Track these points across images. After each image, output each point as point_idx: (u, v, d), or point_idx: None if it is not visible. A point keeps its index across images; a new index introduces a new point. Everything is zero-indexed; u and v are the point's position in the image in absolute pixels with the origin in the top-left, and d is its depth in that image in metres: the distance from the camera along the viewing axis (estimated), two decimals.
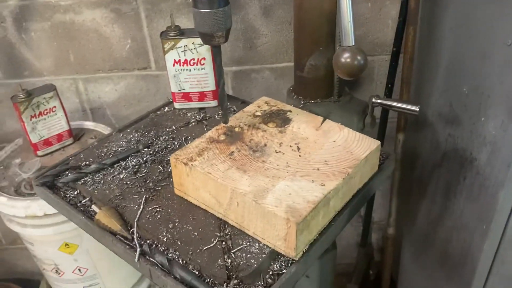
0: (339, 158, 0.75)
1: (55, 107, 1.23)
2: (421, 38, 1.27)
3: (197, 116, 1.03)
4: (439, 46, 1.17)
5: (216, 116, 1.03)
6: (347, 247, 1.85)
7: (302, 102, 1.09)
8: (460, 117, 1.06)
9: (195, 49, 0.98)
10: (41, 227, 1.18)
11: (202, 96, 1.05)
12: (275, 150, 0.78)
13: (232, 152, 0.77)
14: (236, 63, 1.42)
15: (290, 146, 0.79)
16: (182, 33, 0.98)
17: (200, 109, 1.07)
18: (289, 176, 0.72)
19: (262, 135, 0.82)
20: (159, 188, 0.83)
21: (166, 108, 1.08)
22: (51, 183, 0.88)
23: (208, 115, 1.04)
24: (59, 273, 1.31)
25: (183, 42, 0.97)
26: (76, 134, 1.33)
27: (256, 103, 0.91)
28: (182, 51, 0.98)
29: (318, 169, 0.73)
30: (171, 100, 1.10)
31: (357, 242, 1.82)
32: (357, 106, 1.09)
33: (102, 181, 0.86)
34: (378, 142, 0.80)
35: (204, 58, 0.99)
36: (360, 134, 0.81)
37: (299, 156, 0.76)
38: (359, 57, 0.69)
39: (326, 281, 1.14)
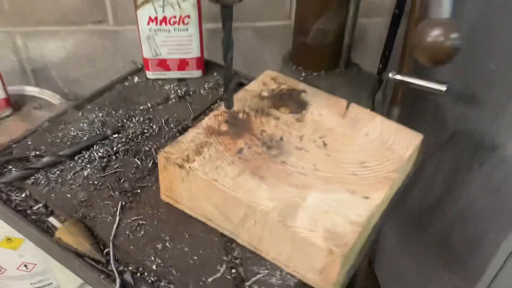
0: (378, 158, 0.59)
1: None
2: None
3: (178, 90, 0.82)
4: (457, 10, 1.01)
5: (202, 91, 0.83)
6: None
7: (303, 74, 0.90)
8: (481, 96, 0.93)
9: (178, 3, 0.76)
10: None
11: (183, 64, 0.84)
12: (296, 147, 0.60)
13: (241, 149, 0.59)
14: (212, 19, 1.19)
15: (314, 141, 0.61)
16: None
17: (180, 80, 0.86)
18: (321, 185, 0.55)
19: (276, 125, 0.63)
20: (139, 191, 0.64)
21: (136, 78, 0.86)
22: None
23: (191, 88, 0.83)
24: (1, 271, 1.09)
25: None
26: (16, 103, 1.08)
27: (260, 79, 0.72)
28: (160, 6, 0.76)
29: (355, 174, 0.57)
30: (141, 66, 0.88)
31: None
32: (366, 80, 0.93)
33: (60, 180, 0.65)
34: (421, 136, 0.64)
35: (188, 16, 0.78)
36: (396, 125, 0.65)
37: (328, 155, 0.59)
38: (454, 35, 0.50)
39: None
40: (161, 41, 0.80)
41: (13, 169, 0.66)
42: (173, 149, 0.58)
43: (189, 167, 0.56)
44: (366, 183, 0.55)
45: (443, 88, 0.82)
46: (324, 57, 0.89)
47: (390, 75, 0.86)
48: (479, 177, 0.95)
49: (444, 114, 1.07)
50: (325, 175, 0.56)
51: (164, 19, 0.78)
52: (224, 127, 0.62)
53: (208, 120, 0.63)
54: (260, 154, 0.58)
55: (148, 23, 0.78)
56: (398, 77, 0.85)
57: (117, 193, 0.63)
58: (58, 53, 1.21)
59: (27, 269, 1.10)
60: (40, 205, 0.63)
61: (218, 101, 0.81)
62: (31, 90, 1.12)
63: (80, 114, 0.77)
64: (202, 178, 0.55)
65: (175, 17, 0.77)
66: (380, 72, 1.27)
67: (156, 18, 0.77)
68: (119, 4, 1.13)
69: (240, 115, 0.64)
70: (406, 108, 1.23)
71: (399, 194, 0.67)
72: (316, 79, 0.90)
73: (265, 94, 0.69)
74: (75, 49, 1.21)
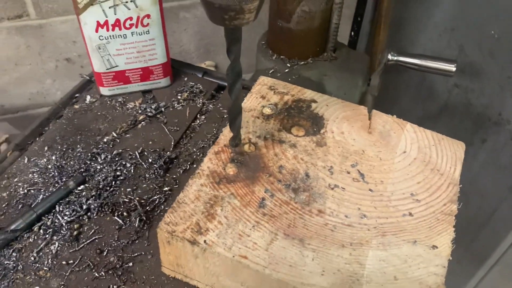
0: (428, 186, 0.48)
1: None
2: None
3: (146, 108, 0.66)
4: None
5: (176, 104, 0.67)
6: None
7: (288, 64, 0.77)
8: (481, 66, 0.84)
9: (133, 1, 0.58)
10: None
11: (146, 73, 0.67)
12: (329, 184, 0.48)
13: (263, 199, 0.45)
14: None
15: (348, 173, 0.49)
16: None
17: (145, 93, 0.69)
18: (376, 238, 0.43)
19: (294, 156, 0.50)
20: (130, 264, 0.49)
21: (88, 97, 0.68)
22: None
23: (161, 103, 0.67)
24: None
25: None
26: None
27: (256, 91, 0.58)
28: (110, 7, 0.58)
29: (410, 214, 0.45)
30: (88, 78, 0.70)
31: None
32: (359, 63, 0.81)
33: (19, 266, 0.49)
34: (463, 145, 0.54)
35: (148, 16, 0.60)
36: (431, 133, 0.55)
37: (370, 190, 0.47)
38: None
39: None
40: (115, 50, 0.62)
41: None
42: (175, 217, 0.43)
43: (205, 241, 0.42)
44: (426, 225, 0.45)
45: (452, 67, 0.72)
46: (310, 43, 0.76)
47: (390, 56, 0.74)
48: (482, 153, 0.88)
49: (432, 84, 0.98)
50: (375, 223, 0.44)
51: (118, 22, 0.60)
52: (231, 170, 0.48)
53: (209, 163, 0.48)
54: (288, 203, 0.45)
55: (97, 30, 0.60)
56: (400, 57, 0.74)
57: (102, 272, 0.48)
58: None
59: None
60: None
61: (198, 115, 0.66)
62: None
63: (25, 160, 0.59)
64: (225, 256, 0.41)
65: (131, 18, 0.60)
66: (354, 41, 1.15)
67: (106, 22, 0.59)
68: None
69: (246, 148, 0.50)
70: (385, 79, 1.14)
71: None
72: (303, 69, 0.76)
73: (268, 111, 0.55)
74: None
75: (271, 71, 0.77)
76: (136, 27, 0.61)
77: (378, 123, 0.55)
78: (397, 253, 0.42)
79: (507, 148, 0.82)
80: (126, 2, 0.58)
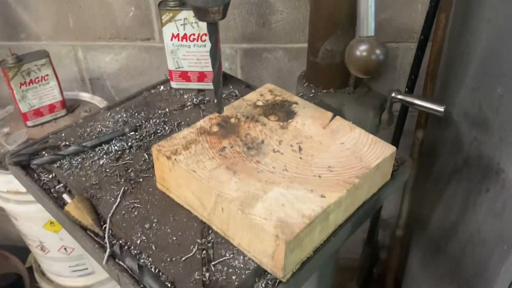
0: (345, 165, 0.65)
1: (47, 75, 1.14)
2: (453, 27, 1.13)
3: (194, 99, 0.93)
4: (473, 39, 1.04)
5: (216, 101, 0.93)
6: (352, 242, 1.75)
7: (313, 91, 0.97)
8: (490, 121, 0.94)
9: (196, 23, 0.87)
10: (25, 203, 1.11)
11: (201, 76, 0.94)
12: (273, 149, 0.67)
13: (224, 147, 0.67)
14: (247, 40, 1.30)
15: (291, 146, 0.68)
16: (182, 3, 0.87)
17: (199, 90, 0.96)
18: (285, 183, 0.61)
19: (261, 130, 0.71)
20: (141, 180, 0.74)
21: (162, 87, 0.98)
22: (27, 162, 0.80)
23: (207, 98, 0.94)
24: (44, 251, 1.25)
25: (183, 14, 0.86)
26: (70, 106, 1.25)
27: (258, 90, 0.81)
28: (181, 25, 0.87)
29: (319, 176, 0.63)
30: (168, 77, 1.00)
31: (363, 238, 1.72)
32: (374, 99, 0.97)
33: (79, 166, 0.77)
34: (394, 148, 0.69)
35: (205, 34, 0.88)
36: (373, 137, 0.70)
37: (300, 158, 0.66)
38: (378, 51, 0.57)
39: None
40: (182, 55, 0.91)
41: (46, 155, 0.80)
42: (165, 144, 0.68)
43: (175, 159, 0.65)
44: (327, 184, 0.61)
45: (441, 108, 0.85)
46: (333, 76, 0.96)
47: (393, 94, 0.90)
48: (486, 202, 0.95)
49: (461, 138, 1.08)
50: (291, 175, 0.63)
51: (185, 36, 0.89)
52: (215, 129, 0.71)
53: (202, 122, 0.72)
54: (239, 153, 0.66)
55: (172, 39, 0.89)
56: (400, 96, 0.90)
57: (122, 180, 0.74)
58: (112, 65, 1.37)
59: (66, 252, 1.24)
60: (61, 185, 0.75)
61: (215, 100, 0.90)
62: (84, 95, 1.29)
63: (108, 114, 0.89)
64: (184, 169, 0.64)
65: (194, 34, 0.88)
66: None
67: (178, 35, 0.89)
68: None
69: (232, 120, 0.73)
70: (431, 132, 1.25)
71: (375, 202, 0.71)
72: (325, 96, 0.96)
73: (259, 103, 0.77)
74: (126, 61, 1.37)
75: (300, 94, 0.98)
76: (197, 41, 0.89)
77: (335, 124, 0.73)
78: (294, 193, 0.60)
79: (500, 195, 0.89)
80: (192, 22, 0.87)
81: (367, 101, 0.97)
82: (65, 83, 1.31)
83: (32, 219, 1.16)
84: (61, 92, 1.18)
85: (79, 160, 0.78)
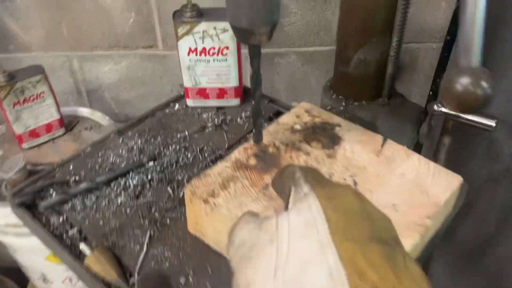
0: (411, 201, 0.56)
1: (43, 92, 1.03)
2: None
3: (215, 119, 0.83)
4: (510, 37, 0.95)
5: (239, 120, 0.83)
6: None
7: (343, 103, 0.89)
8: None
9: (217, 35, 0.77)
10: (25, 236, 1.00)
11: (221, 93, 0.85)
12: None
13: (267, 184, 0.58)
14: None
15: (344, 179, 0.59)
16: (200, 14, 0.77)
17: (219, 108, 0.87)
18: None
19: (305, 160, 0.62)
20: (168, 221, 0.65)
21: (177, 105, 0.88)
22: (31, 201, 0.70)
23: (228, 117, 0.84)
24: (47, 282, 1.15)
25: (202, 26, 0.76)
26: (69, 123, 1.14)
27: (294, 111, 0.71)
28: (200, 38, 0.78)
29: None
30: (182, 93, 0.90)
31: None
32: (411, 111, 0.89)
33: (94, 206, 0.67)
34: (460, 179, 0.60)
35: (227, 48, 0.79)
36: (434, 165, 0.62)
37: None
38: (484, 84, 0.47)
39: None
40: (200, 71, 0.81)
41: (54, 193, 0.69)
42: (199, 183, 0.58)
43: (214, 202, 0.56)
44: (396, 228, 0.53)
45: (492, 123, 0.77)
46: (365, 87, 0.87)
47: (435, 107, 0.82)
48: None
49: (499, 147, 1.00)
50: None
51: (204, 50, 0.79)
52: (252, 161, 0.62)
53: (237, 153, 0.63)
54: None
55: (188, 54, 0.80)
56: (444, 109, 0.81)
57: (146, 222, 0.64)
58: (111, 76, 1.27)
59: (71, 283, 1.14)
60: (75, 230, 0.65)
61: (253, 130, 0.81)
62: (83, 111, 1.18)
63: (120, 140, 0.79)
64: (225, 215, 0.54)
65: (214, 48, 0.79)
66: (430, 100, 1.22)
67: (196, 49, 0.79)
68: (167, 30, 1.17)
69: (270, 149, 0.64)
70: (456, 138, 1.17)
71: (438, 238, 0.63)
72: (357, 109, 0.88)
73: (297, 127, 0.68)
74: (127, 72, 1.26)
75: (328, 107, 0.90)
76: (217, 55, 0.80)
77: (388, 150, 0.64)
78: None
79: None
80: (212, 35, 0.77)
81: (403, 113, 0.88)
82: (60, 96, 1.20)
83: (34, 251, 1.05)
84: (59, 110, 1.08)
85: (94, 199, 0.68)
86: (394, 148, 0.65)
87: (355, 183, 0.59)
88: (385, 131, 0.88)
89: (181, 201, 0.68)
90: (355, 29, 0.81)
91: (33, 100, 1.02)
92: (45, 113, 1.05)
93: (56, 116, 1.07)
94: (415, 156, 0.63)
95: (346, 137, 0.66)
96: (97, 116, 1.16)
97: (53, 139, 1.09)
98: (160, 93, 1.29)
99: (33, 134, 1.06)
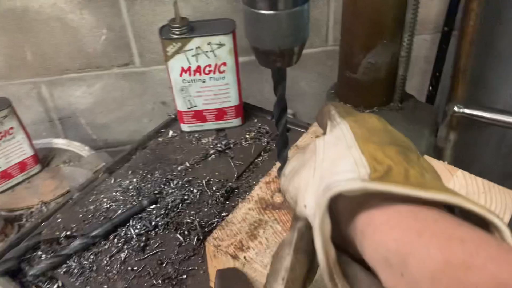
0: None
1: (12, 128, 0.91)
2: (487, 15, 0.99)
3: (217, 144, 0.74)
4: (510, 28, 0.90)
5: (243, 142, 0.74)
6: None
7: None
8: None
9: (212, 51, 0.68)
10: None
11: (220, 114, 0.75)
12: None
13: None
14: (244, 52, 1.11)
15: None
16: (191, 28, 0.67)
17: (218, 131, 0.77)
18: None
19: None
20: (184, 277, 0.55)
21: (171, 132, 0.78)
22: (17, 267, 0.59)
23: (231, 140, 0.75)
24: None
25: (195, 42, 0.67)
26: (44, 158, 1.02)
27: (312, 131, 0.63)
28: (193, 56, 0.68)
29: None
30: (173, 116, 0.80)
31: None
32: (426, 113, 0.82)
33: (95, 267, 0.57)
34: None
35: (224, 64, 0.69)
36: (483, 180, 0.55)
37: None
38: None
39: None
40: (196, 92, 0.72)
41: (43, 255, 0.59)
42: (222, 234, 0.49)
43: (244, 257, 0.46)
44: None
45: None
46: (376, 93, 0.80)
47: (456, 108, 0.75)
48: None
49: (509, 142, 0.95)
50: None
51: (198, 68, 0.70)
52: (278, 198, 0.53)
53: (259, 190, 0.54)
54: None
55: (181, 74, 0.70)
56: (466, 110, 0.75)
57: (160, 281, 0.55)
58: (84, 100, 1.15)
59: None
60: None
61: (262, 153, 0.72)
62: (58, 142, 1.06)
63: (112, 180, 0.69)
64: (261, 272, 0.45)
65: (210, 65, 0.69)
66: (431, 96, 1.16)
67: (189, 68, 0.69)
68: (144, 46, 1.06)
69: None
70: (463, 132, 1.12)
71: None
72: None
73: None
74: (102, 93, 1.15)
75: None
76: (214, 73, 0.70)
77: None
78: None
79: None
80: (207, 51, 0.68)
81: (418, 116, 0.81)
82: (30, 128, 1.07)
83: None
84: (31, 145, 0.96)
85: (92, 257, 0.58)
86: (434, 166, 0.57)
87: None
88: None
89: (196, 249, 0.58)
90: (363, 31, 0.73)
91: (1, 138, 0.90)
92: (16, 150, 0.93)
93: (30, 152, 0.95)
94: (459, 173, 0.56)
95: None
96: (75, 147, 1.05)
97: (28, 178, 0.97)
98: (141, 113, 1.18)
99: (6, 175, 0.94)
